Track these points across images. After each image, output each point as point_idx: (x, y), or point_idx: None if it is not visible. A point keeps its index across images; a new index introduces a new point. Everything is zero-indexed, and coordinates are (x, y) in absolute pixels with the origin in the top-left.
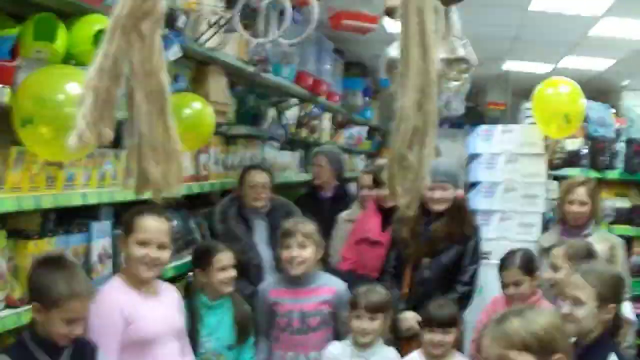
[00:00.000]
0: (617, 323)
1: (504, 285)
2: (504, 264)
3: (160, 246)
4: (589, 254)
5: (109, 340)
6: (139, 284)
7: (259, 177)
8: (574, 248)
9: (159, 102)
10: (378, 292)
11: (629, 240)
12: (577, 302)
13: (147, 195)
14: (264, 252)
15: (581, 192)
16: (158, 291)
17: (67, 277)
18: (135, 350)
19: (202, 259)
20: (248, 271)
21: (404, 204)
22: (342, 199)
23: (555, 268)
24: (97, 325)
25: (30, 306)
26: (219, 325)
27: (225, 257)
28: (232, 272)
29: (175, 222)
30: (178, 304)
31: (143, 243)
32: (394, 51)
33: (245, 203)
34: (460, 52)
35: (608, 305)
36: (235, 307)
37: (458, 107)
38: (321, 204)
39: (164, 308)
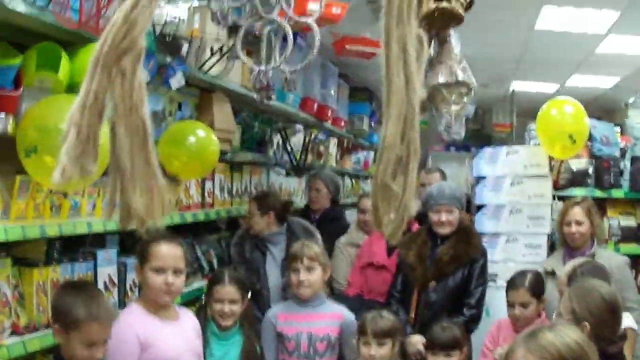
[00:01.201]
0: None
1: (510, 305)
2: (513, 283)
3: (176, 271)
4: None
5: None
6: (157, 309)
7: (249, 205)
8: (570, 272)
9: (140, 136)
10: (386, 318)
11: (636, 259)
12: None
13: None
14: (274, 278)
15: (577, 212)
16: (177, 316)
17: (87, 301)
18: None
19: (208, 287)
20: (254, 296)
21: (389, 234)
22: (330, 221)
23: (561, 293)
24: (114, 351)
25: (41, 333)
26: (225, 356)
27: (222, 291)
28: (228, 307)
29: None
30: (197, 329)
31: (159, 270)
32: None
33: None
34: (460, 76)
35: (581, 324)
36: (245, 341)
37: (459, 131)
38: None
39: (183, 332)
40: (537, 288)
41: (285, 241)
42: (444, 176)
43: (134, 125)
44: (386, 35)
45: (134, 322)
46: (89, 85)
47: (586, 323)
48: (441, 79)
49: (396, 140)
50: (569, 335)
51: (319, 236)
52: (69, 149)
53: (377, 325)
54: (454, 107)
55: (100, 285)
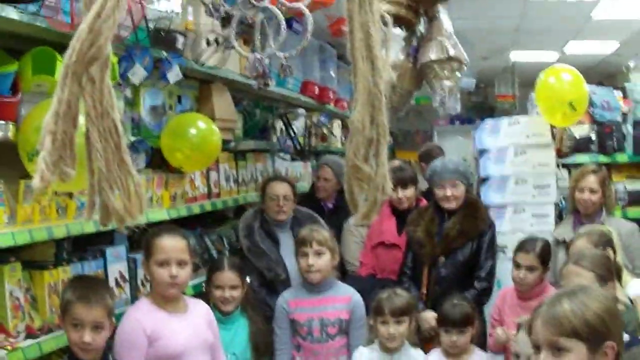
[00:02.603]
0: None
1: (517, 266)
2: (523, 247)
3: (180, 263)
4: (608, 240)
5: (132, 358)
6: (165, 302)
7: (279, 189)
8: (595, 235)
9: (114, 139)
10: (401, 296)
11: None
12: None
13: (155, 217)
14: (291, 265)
15: (592, 180)
16: (187, 308)
17: (78, 285)
18: None
19: (208, 275)
20: (276, 287)
21: (363, 215)
22: (343, 209)
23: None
24: (121, 344)
25: (55, 333)
26: (233, 340)
27: (222, 277)
28: (229, 293)
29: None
30: (208, 319)
31: (163, 263)
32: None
33: (268, 216)
34: (451, 52)
35: (608, 284)
36: (250, 324)
37: (453, 106)
38: (323, 214)
39: (192, 324)
40: (546, 255)
41: (290, 229)
42: (441, 151)
43: (106, 129)
44: (350, 23)
45: (140, 316)
46: (61, 95)
47: (613, 283)
48: (432, 56)
49: (365, 123)
50: (589, 307)
51: (323, 224)
52: (46, 156)
53: (394, 304)
54: (447, 83)
55: (112, 282)
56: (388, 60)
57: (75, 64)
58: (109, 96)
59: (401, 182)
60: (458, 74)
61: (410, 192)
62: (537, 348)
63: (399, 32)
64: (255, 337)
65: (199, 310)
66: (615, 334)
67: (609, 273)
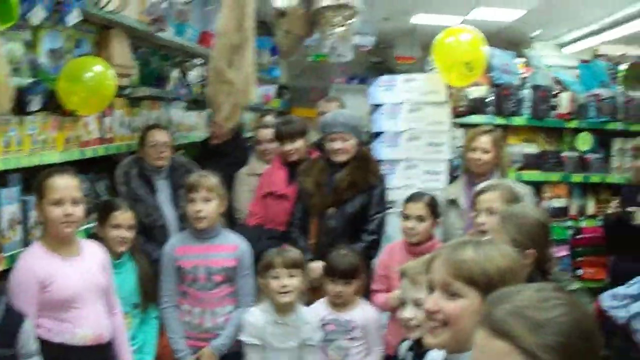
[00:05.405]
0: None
1: (406, 218)
2: (411, 197)
3: (74, 201)
4: (517, 197)
5: (25, 304)
6: (58, 246)
7: (160, 136)
8: (507, 191)
9: None
10: (292, 251)
11: (538, 186)
12: None
13: (49, 160)
14: (169, 212)
15: (484, 140)
16: (80, 251)
17: None
18: (57, 310)
19: (100, 214)
20: (154, 233)
21: (224, 117)
22: (226, 154)
23: (491, 212)
24: (15, 291)
25: None
26: (122, 284)
27: (120, 217)
28: (126, 233)
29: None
30: (102, 262)
31: (57, 202)
32: (280, 1)
33: (147, 163)
34: None
35: (525, 252)
36: (138, 267)
37: (345, 53)
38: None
39: (85, 267)
40: (434, 206)
41: (168, 177)
42: (342, 106)
43: None
44: None
45: (33, 262)
46: None
47: (533, 250)
48: (325, 2)
49: (230, 27)
50: (493, 260)
51: (198, 169)
52: None
53: (286, 257)
54: (338, 29)
55: (4, 224)
56: None
57: None
58: None
59: (289, 135)
60: (350, 21)
61: (298, 144)
62: (431, 289)
63: None
64: (143, 281)
65: (93, 252)
66: None
67: (530, 240)
